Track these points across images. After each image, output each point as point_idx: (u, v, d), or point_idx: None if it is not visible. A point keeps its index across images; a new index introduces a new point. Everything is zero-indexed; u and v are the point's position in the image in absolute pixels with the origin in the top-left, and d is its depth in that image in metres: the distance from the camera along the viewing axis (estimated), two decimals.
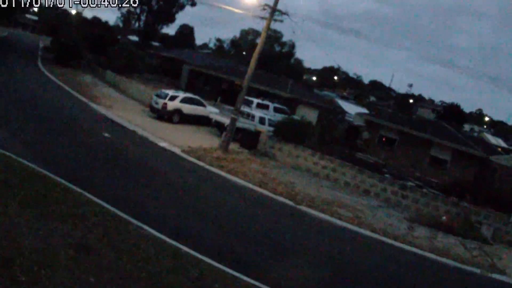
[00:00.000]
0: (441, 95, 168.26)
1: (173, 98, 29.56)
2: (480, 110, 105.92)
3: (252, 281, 10.12)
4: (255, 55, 24.91)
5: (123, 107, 30.30)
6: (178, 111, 29.59)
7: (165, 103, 29.14)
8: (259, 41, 25.61)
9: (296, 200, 18.94)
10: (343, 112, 44.79)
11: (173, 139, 24.13)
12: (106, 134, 21.65)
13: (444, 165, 35.07)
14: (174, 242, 10.89)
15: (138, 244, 10.02)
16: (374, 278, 13.07)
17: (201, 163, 20.96)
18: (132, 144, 21.71)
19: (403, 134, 36.56)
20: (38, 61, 39.97)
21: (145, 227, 11.29)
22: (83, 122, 23.60)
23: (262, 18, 24.77)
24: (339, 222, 17.74)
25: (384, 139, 37.65)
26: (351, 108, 50.40)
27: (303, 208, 18.37)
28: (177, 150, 22.20)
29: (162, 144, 22.88)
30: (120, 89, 37.55)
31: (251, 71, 24.93)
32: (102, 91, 34.26)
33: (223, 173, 20.29)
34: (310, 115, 35.15)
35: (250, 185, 19.51)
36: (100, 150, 18.94)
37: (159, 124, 27.81)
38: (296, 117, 31.75)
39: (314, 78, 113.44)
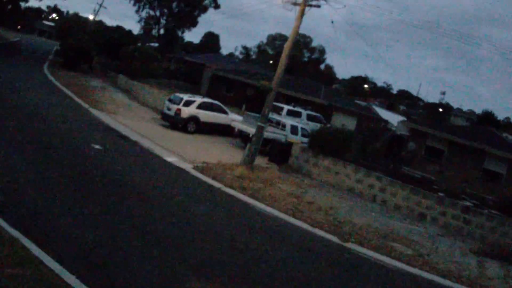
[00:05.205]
0: (467, 104, 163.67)
1: (188, 103, 25.05)
2: (508, 118, 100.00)
3: None
4: (287, 47, 20.62)
5: (131, 114, 26.02)
6: (194, 118, 25.08)
7: (179, 109, 24.65)
8: (291, 31, 21.05)
9: (342, 234, 14.27)
10: (383, 120, 39.91)
11: (185, 152, 19.70)
12: (97, 146, 17.08)
13: (499, 179, 30.68)
14: None
15: None
16: None
17: (217, 184, 16.33)
18: (127, 159, 17.03)
19: (453, 144, 32.59)
20: (44, 65, 36.24)
21: None
22: (72, 131, 19.18)
23: (295, 4, 20.44)
24: (398, 264, 13.06)
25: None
26: (390, 116, 45.47)
27: (352, 246, 13.67)
28: (188, 167, 17.67)
29: (170, 158, 18.38)
30: (132, 95, 33.56)
31: (282, 67, 20.39)
32: (109, 96, 30.09)
33: (245, 198, 15.62)
34: (347, 123, 30.44)
35: (281, 215, 14.81)
36: (77, 169, 14.15)
37: (170, 134, 23.39)
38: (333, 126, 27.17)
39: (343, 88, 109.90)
